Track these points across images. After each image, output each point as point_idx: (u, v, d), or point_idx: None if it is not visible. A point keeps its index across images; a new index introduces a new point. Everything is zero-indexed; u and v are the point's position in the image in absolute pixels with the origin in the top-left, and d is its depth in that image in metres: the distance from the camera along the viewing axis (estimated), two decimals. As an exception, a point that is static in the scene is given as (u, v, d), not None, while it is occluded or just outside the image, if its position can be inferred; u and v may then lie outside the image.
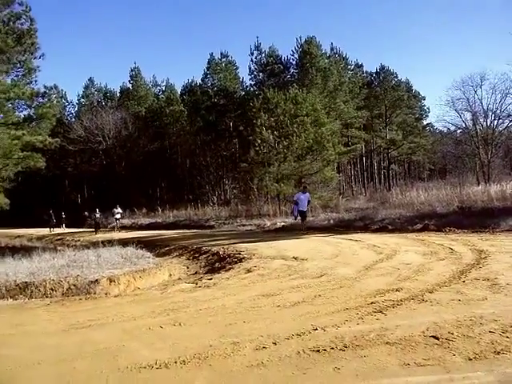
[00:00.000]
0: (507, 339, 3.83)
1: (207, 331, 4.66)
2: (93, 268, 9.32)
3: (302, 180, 24.47)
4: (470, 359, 3.48)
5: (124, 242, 13.60)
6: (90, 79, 53.50)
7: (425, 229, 13.70)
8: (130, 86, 50.70)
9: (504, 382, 3.08)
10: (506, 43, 63.21)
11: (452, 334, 4.03)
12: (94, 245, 13.28)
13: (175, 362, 3.78)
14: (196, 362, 3.77)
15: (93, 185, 49.37)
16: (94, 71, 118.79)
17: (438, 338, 3.94)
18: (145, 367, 3.72)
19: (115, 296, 7.59)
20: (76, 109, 53.14)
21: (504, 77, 35.70)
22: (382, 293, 5.78)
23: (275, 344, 4.09)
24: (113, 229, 28.58)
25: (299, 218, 16.89)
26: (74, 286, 8.19)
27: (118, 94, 52.49)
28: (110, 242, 13.33)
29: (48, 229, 31.37)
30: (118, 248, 12.06)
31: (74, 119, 49.44)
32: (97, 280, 8.36)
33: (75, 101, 54.13)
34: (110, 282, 8.42)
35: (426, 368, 3.38)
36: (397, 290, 5.84)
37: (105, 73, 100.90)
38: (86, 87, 53.04)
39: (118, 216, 28.35)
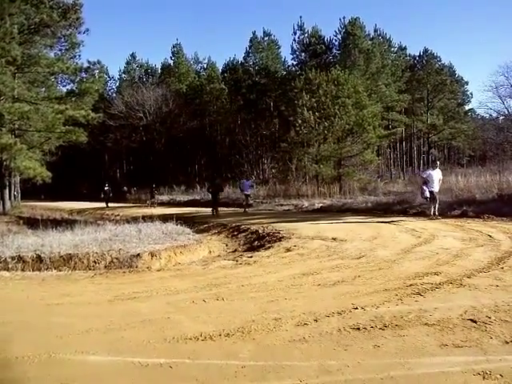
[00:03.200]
0: (545, 325, 3.84)
1: (249, 307, 4.80)
2: (134, 242, 9.55)
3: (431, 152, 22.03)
4: (507, 342, 3.55)
5: (164, 218, 13.84)
6: (132, 55, 53.97)
7: (463, 215, 13.52)
8: (171, 62, 50.87)
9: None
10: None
11: (489, 317, 4.08)
12: (135, 220, 13.57)
13: (219, 335, 3.92)
14: (240, 336, 3.91)
15: (132, 161, 50.17)
16: (136, 47, 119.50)
17: (475, 322, 4.00)
18: (190, 339, 3.87)
19: (157, 270, 7.79)
20: (117, 84, 53.96)
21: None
22: (421, 276, 5.81)
23: (316, 321, 4.20)
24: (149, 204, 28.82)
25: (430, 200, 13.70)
26: (117, 259, 8.42)
27: (160, 71, 52.78)
28: (150, 218, 13.59)
29: (103, 203, 29.83)
30: (158, 223, 12.31)
31: (115, 95, 50.16)
32: (139, 254, 8.57)
33: (117, 76, 55.04)
34: (152, 256, 8.64)
35: (463, 349, 3.46)
36: (435, 274, 5.88)
37: (147, 49, 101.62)
38: (128, 63, 53.49)
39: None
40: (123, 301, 5.32)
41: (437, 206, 13.56)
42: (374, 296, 4.97)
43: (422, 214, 14.59)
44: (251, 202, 22.45)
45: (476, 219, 12.53)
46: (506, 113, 32.11)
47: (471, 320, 4.04)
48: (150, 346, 3.76)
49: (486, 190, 15.76)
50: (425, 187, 13.69)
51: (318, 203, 20.83)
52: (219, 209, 19.68)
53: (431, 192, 13.48)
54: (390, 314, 4.28)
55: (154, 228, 11.54)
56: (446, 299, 4.75)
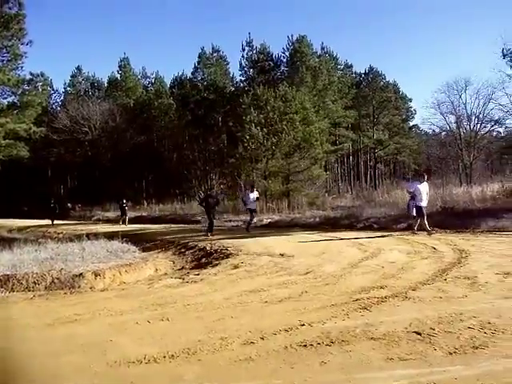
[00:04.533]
0: (485, 335, 3.98)
1: (195, 326, 4.73)
2: (77, 261, 9.29)
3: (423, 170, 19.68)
4: (450, 354, 3.62)
5: (109, 236, 13.55)
6: (78, 68, 52.58)
7: (409, 228, 13.85)
8: (118, 76, 50.09)
9: (481, 375, 3.20)
10: (490, 51, 64.26)
11: (433, 329, 4.17)
12: (79, 237, 13.20)
13: (164, 357, 3.83)
14: (185, 357, 3.84)
15: (77, 176, 48.89)
16: (82, 59, 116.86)
17: (420, 334, 4.08)
18: (133, 362, 3.77)
19: (101, 290, 7.60)
20: (62, 97, 52.23)
21: (487, 83, 36.38)
22: (367, 290, 5.89)
23: (263, 339, 4.18)
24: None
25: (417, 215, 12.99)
26: (58, 279, 8.12)
27: (106, 85, 51.78)
28: (94, 235, 13.25)
29: (49, 220, 28.25)
30: (102, 241, 12.02)
31: (59, 108, 48.46)
32: (81, 274, 8.33)
33: (61, 89, 53.30)
34: (95, 275, 8.40)
35: (408, 362, 3.51)
36: (381, 288, 5.97)
37: (93, 62, 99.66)
38: (73, 76, 52.10)
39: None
40: (64, 324, 5.13)
41: (425, 221, 12.71)
42: (320, 312, 4.99)
43: (369, 227, 14.88)
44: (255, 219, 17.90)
45: (421, 232, 12.85)
46: (448, 129, 33.49)
47: (416, 332, 4.12)
48: (90, 371, 3.63)
49: (431, 203, 16.25)
50: (411, 202, 13.14)
51: (266, 219, 20.89)
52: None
53: (419, 207, 12.77)
54: (336, 330, 4.30)
55: (98, 246, 11.28)
56: (391, 312, 4.83)
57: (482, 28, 77.17)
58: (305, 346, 3.96)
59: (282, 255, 9.58)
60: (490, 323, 4.25)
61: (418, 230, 12.81)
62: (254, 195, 16.76)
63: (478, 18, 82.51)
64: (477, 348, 3.70)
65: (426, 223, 12.70)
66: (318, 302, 5.46)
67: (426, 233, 12.45)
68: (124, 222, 22.82)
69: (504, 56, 18.59)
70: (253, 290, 6.33)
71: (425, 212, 12.87)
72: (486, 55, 73.09)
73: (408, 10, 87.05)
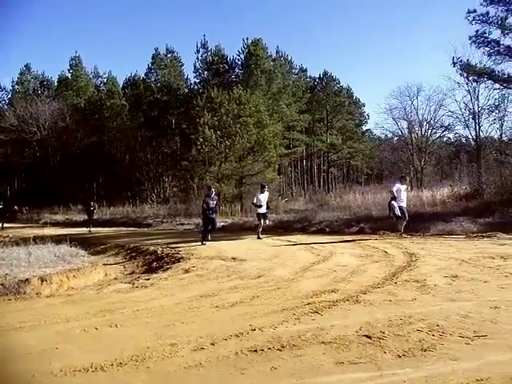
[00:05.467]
0: (433, 337, 4.04)
1: (144, 332, 4.61)
2: (23, 266, 8.95)
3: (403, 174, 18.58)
4: (400, 356, 3.66)
5: (57, 239, 13.18)
6: (27, 65, 51.27)
7: (361, 232, 14.07)
8: (69, 75, 48.97)
9: (429, 377, 3.25)
10: (441, 59, 66.39)
11: (383, 332, 4.21)
12: (26, 241, 12.76)
13: (111, 365, 3.72)
14: (133, 364, 3.73)
15: (24, 178, 47.42)
16: (31, 57, 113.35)
17: (370, 337, 4.11)
18: (80, 370, 3.64)
19: (47, 296, 7.33)
20: (9, 96, 50.62)
21: (438, 89, 37.60)
22: (319, 294, 5.91)
23: (213, 345, 4.11)
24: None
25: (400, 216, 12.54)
26: (2, 285, 7.77)
27: (56, 84, 50.53)
28: (42, 239, 12.85)
29: None
30: (50, 245, 11.66)
31: (6, 107, 47.03)
32: (27, 279, 8.00)
33: (9, 87, 51.72)
34: (42, 281, 8.09)
35: (358, 366, 3.52)
36: (332, 291, 6.00)
37: (43, 60, 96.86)
38: (22, 74, 50.67)
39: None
40: (7, 332, 4.90)
41: (404, 222, 12.64)
42: (272, 316, 4.96)
43: (321, 231, 15.03)
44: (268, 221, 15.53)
45: (373, 235, 13.06)
46: (400, 134, 34.32)
47: (366, 336, 4.15)
48: (34, 382, 3.48)
49: (383, 207, 16.52)
50: (394, 203, 12.46)
51: (219, 222, 20.76)
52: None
53: (400, 208, 12.45)
54: (287, 334, 4.28)
55: (45, 250, 10.91)
56: (342, 316, 4.85)
57: (435, 36, 79.72)
58: (255, 351, 3.91)
59: (234, 259, 9.54)
60: (438, 326, 4.33)
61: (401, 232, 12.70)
62: (265, 197, 14.85)
63: (430, 27, 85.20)
64: (425, 350, 3.75)
65: (403, 225, 12.75)
66: (270, 306, 5.43)
67: (398, 234, 12.59)
68: (90, 227, 21.70)
69: (454, 64, 19.18)
70: (204, 294, 6.26)
71: (406, 212, 12.70)
72: (437, 63, 75.62)
73: (362, 18, 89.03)
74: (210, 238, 13.29)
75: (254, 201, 14.91)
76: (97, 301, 6.42)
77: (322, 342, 4.05)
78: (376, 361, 3.60)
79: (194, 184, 30.27)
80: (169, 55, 44.73)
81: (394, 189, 12.60)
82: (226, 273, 8.07)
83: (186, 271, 8.55)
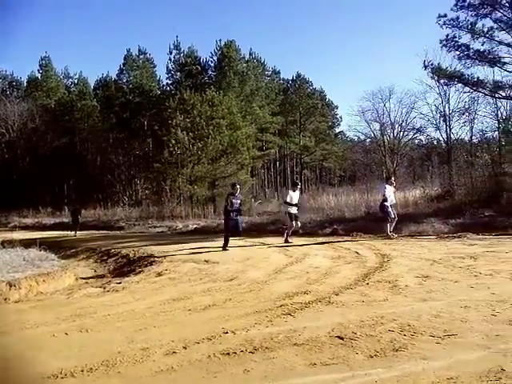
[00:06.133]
0: (405, 337, 4.07)
1: (116, 337, 4.54)
2: (-10, 271, 8.75)
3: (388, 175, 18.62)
4: (372, 357, 3.68)
5: (27, 243, 12.94)
6: (-6, 65, 50.30)
7: (334, 233, 14.18)
8: (38, 76, 48.13)
9: (401, 376, 3.27)
10: (412, 62, 67.28)
11: (355, 333, 4.23)
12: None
13: (82, 371, 3.64)
14: (104, 370, 3.66)
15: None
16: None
17: (342, 338, 4.12)
18: (49, 377, 3.55)
19: (16, 302, 7.20)
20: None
21: (410, 92, 38.15)
22: (291, 295, 5.91)
23: (185, 348, 4.07)
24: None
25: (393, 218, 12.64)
26: (-32, 291, 7.63)
27: (26, 84, 49.62)
28: (10, 243, 12.57)
29: None
30: (19, 249, 11.42)
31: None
32: (-6, 284, 7.85)
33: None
34: (10, 286, 7.89)
35: (330, 367, 3.53)
36: (305, 293, 6.01)
37: (11, 60, 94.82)
38: (-11, 74, 49.75)
39: None
40: (-27, 339, 4.79)
41: (393, 223, 12.69)
42: (244, 319, 4.94)
43: (294, 233, 15.05)
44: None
45: (345, 237, 13.16)
46: (372, 136, 34.62)
47: (338, 337, 4.16)
48: (1, 390, 3.40)
49: (355, 208, 16.70)
50: (387, 204, 12.54)
51: (192, 224, 20.74)
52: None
53: (391, 207, 12.61)
54: (260, 337, 4.26)
55: (13, 254, 10.67)
56: (314, 318, 4.85)
57: (407, 40, 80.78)
58: (228, 354, 3.89)
59: (207, 261, 9.49)
60: (409, 325, 4.37)
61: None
62: (297, 195, 13.50)
63: (403, 31, 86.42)
64: (397, 350, 3.78)
65: (390, 226, 12.76)
66: (243, 308, 5.42)
67: (385, 235, 12.54)
68: (75, 231, 20.91)
69: (425, 67, 19.48)
70: (176, 298, 6.21)
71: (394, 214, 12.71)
72: (409, 66, 76.75)
73: (335, 21, 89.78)
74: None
75: (288, 199, 13.19)
76: (67, 306, 6.30)
77: (295, 344, 4.04)
78: (348, 361, 3.61)
79: (166, 186, 30.14)
80: (141, 56, 44.33)
81: (386, 192, 12.67)
82: (199, 275, 8.02)
83: (159, 274, 8.47)
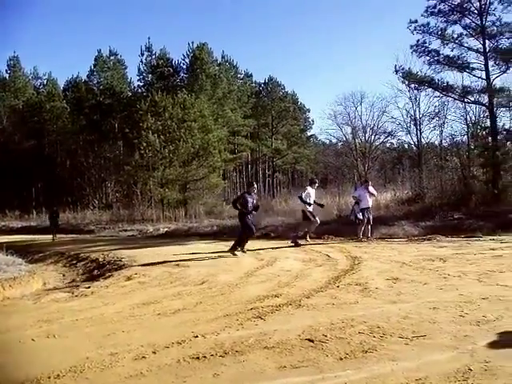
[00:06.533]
0: (374, 339, 4.10)
1: (84, 343, 4.45)
2: (-47, 276, 8.51)
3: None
4: (341, 359, 3.69)
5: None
6: (-41, 64, 49.02)
7: (305, 236, 14.21)
8: (6, 76, 47.09)
9: (370, 378, 3.29)
10: (384, 66, 68.59)
11: (325, 336, 4.24)
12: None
13: (49, 377, 3.54)
14: (72, 376, 3.58)
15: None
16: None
17: (312, 341, 4.12)
18: (15, 384, 3.47)
19: (-20, 308, 7.01)
20: None
21: (381, 96, 38.70)
22: (262, 299, 5.90)
23: (155, 353, 4.02)
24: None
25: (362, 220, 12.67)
26: None
27: (-8, 84, 48.58)
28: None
29: None
30: (-17, 254, 11.16)
31: None
32: (-43, 290, 7.64)
33: None
34: (-26, 292, 7.73)
35: (300, 370, 3.52)
36: (276, 296, 6.01)
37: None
38: (-47, 73, 48.42)
39: None
40: None
41: (369, 227, 12.80)
42: (215, 322, 4.91)
43: (266, 236, 15.10)
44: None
45: (317, 240, 13.21)
46: (344, 139, 34.93)
47: (309, 340, 4.16)
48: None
49: (327, 211, 16.80)
50: (356, 207, 12.78)
51: (163, 228, 20.62)
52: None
53: (363, 210, 12.59)
54: (230, 340, 4.24)
55: (-22, 259, 10.40)
56: (285, 321, 4.85)
57: (379, 44, 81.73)
58: (198, 358, 3.85)
59: (178, 265, 9.41)
60: (378, 327, 4.40)
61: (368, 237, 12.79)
62: (314, 192, 12.85)
63: (375, 35, 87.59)
64: (366, 352, 3.80)
65: (370, 229, 12.88)
66: (213, 312, 5.38)
67: (363, 238, 12.65)
68: (54, 235, 20.14)
69: (396, 72, 19.84)
70: (146, 302, 6.13)
71: (370, 216, 12.79)
72: (381, 70, 77.95)
73: (308, 24, 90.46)
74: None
75: (303, 195, 12.47)
76: (34, 311, 6.16)
77: (265, 347, 4.03)
78: (318, 364, 3.61)
79: (137, 189, 29.87)
80: (112, 57, 43.89)
81: (357, 194, 13.05)
82: (169, 279, 7.95)
83: (128, 278, 8.35)
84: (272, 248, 11.79)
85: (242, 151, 47.74)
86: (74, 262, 12.05)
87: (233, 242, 10.97)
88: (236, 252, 10.62)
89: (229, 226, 18.46)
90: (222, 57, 45.29)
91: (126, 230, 21.86)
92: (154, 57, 41.70)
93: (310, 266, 8.64)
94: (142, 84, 42.60)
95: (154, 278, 8.15)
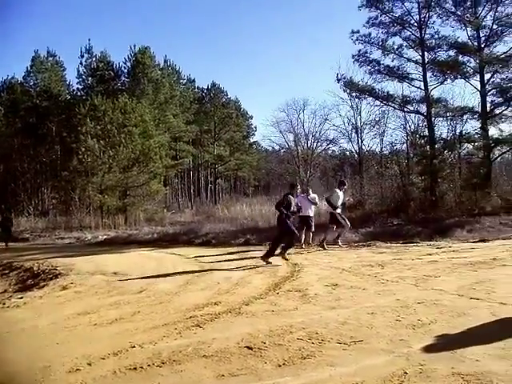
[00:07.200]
0: (312, 345, 4.14)
1: (15, 356, 4.26)
2: None
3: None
4: (280, 366, 3.70)
5: None
6: None
7: (247, 243, 14.23)
8: None
9: (308, 384, 3.31)
10: (327, 75, 69.75)
11: (264, 343, 4.24)
12: None
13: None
14: (-2, 392, 3.43)
15: None
16: None
17: (251, 348, 4.12)
18: None
19: None
20: None
21: (324, 104, 39.47)
22: (201, 307, 5.85)
23: (90, 365, 3.91)
24: None
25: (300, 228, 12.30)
26: None
27: None
28: None
29: None
30: None
31: None
32: None
33: None
34: None
35: (239, 377, 3.52)
36: (215, 304, 5.97)
37: None
38: None
39: None
40: None
41: (311, 234, 12.68)
42: (152, 332, 4.83)
43: (207, 243, 15.01)
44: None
45: (258, 247, 13.22)
46: (287, 146, 35.38)
47: (247, 347, 4.16)
48: None
49: (269, 218, 16.85)
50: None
51: (102, 235, 20.13)
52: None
53: (302, 217, 12.36)
54: (168, 350, 4.18)
55: None
56: (224, 329, 4.83)
57: (322, 53, 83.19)
58: (135, 368, 3.77)
59: (116, 273, 9.20)
60: (317, 333, 4.44)
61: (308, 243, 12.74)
62: (342, 195, 12.74)
63: (318, 44, 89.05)
64: (305, 358, 3.83)
65: (310, 236, 12.84)
66: (151, 321, 5.29)
67: (304, 245, 12.60)
68: (6, 242, 18.88)
69: (338, 80, 20.26)
70: (81, 312, 5.94)
71: (311, 223, 12.61)
72: (324, 79, 79.42)
73: (251, 31, 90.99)
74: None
75: (333, 198, 12.26)
76: (-40, 323, 5.86)
77: (204, 356, 4.00)
78: (257, 371, 3.61)
79: (75, 195, 29.03)
80: (50, 58, 42.52)
81: (297, 201, 12.18)
82: (107, 288, 7.75)
83: (64, 288, 8.08)
84: (213, 255, 11.68)
85: (183, 157, 47.35)
86: (7, 271, 11.49)
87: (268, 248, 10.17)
88: (270, 260, 9.62)
89: (170, 234, 18.27)
90: (165, 61, 44.82)
91: (63, 238, 21.16)
92: (94, 59, 40.73)
93: (251, 273, 8.63)
94: (81, 87, 41.50)
95: (90, 287, 7.93)
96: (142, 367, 3.80)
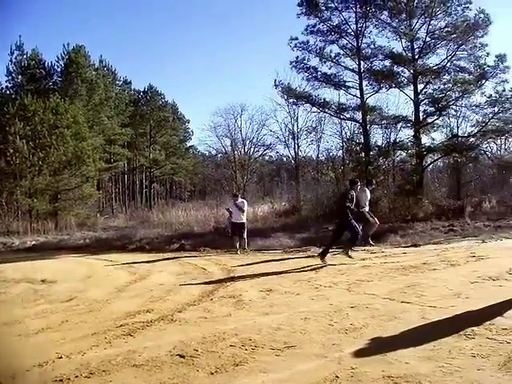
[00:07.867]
0: (245, 351, 4.13)
1: None
2: None
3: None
4: (212, 373, 3.67)
5: None
6: None
7: (181, 248, 14.05)
8: None
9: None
10: (265, 80, 70.15)
11: (197, 350, 4.20)
12: None
13: None
14: None
15: None
16: None
17: (183, 356, 4.07)
18: None
19: None
20: None
21: (261, 109, 39.79)
22: (133, 315, 5.73)
23: (13, 378, 3.73)
24: None
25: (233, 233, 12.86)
26: None
27: None
28: None
29: None
30: None
31: None
32: None
33: None
34: None
35: (170, 387, 3.44)
36: (147, 311, 5.88)
37: None
38: None
39: None
40: None
41: (245, 240, 12.84)
42: (81, 341, 4.67)
43: (141, 249, 14.73)
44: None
45: (193, 252, 13.12)
46: (224, 151, 35.35)
47: (179, 355, 4.10)
48: None
49: (204, 223, 16.75)
50: (227, 221, 13.29)
51: (30, 241, 19.29)
52: None
53: (234, 224, 12.75)
54: (97, 360, 4.05)
55: None
56: (156, 337, 4.75)
57: (260, 58, 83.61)
58: (61, 380, 3.63)
59: (44, 281, 8.86)
60: (250, 340, 4.44)
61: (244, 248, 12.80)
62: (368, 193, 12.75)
63: (256, 49, 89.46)
64: (237, 365, 3.81)
65: (245, 242, 12.88)
66: (80, 330, 5.11)
67: (237, 251, 12.60)
68: None
69: (276, 86, 20.44)
70: (6, 322, 5.67)
71: (243, 230, 12.78)
72: (262, 84, 79.83)
73: (188, 33, 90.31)
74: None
75: (364, 198, 12.17)
76: None
77: (134, 365, 3.92)
78: (189, 380, 3.56)
79: (2, 199, 27.72)
80: (-25, 55, 40.64)
81: (228, 206, 13.00)
82: (34, 297, 7.45)
83: (-14, 297, 7.70)
84: (146, 261, 11.46)
85: (118, 161, 46.33)
86: None
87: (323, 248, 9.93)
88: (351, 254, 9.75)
89: (103, 239, 17.82)
90: (100, 61, 43.56)
91: (-13, 243, 20.11)
92: (25, 57, 39.12)
93: (185, 279, 8.54)
94: (10, 85, 39.75)
95: (15, 296, 7.62)
96: (69, 379, 3.67)
